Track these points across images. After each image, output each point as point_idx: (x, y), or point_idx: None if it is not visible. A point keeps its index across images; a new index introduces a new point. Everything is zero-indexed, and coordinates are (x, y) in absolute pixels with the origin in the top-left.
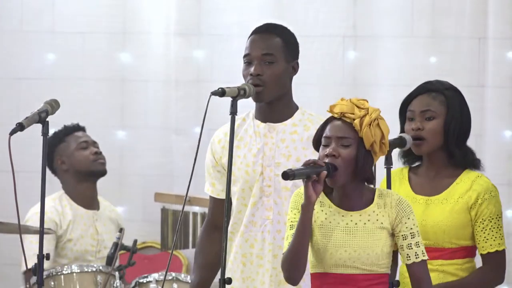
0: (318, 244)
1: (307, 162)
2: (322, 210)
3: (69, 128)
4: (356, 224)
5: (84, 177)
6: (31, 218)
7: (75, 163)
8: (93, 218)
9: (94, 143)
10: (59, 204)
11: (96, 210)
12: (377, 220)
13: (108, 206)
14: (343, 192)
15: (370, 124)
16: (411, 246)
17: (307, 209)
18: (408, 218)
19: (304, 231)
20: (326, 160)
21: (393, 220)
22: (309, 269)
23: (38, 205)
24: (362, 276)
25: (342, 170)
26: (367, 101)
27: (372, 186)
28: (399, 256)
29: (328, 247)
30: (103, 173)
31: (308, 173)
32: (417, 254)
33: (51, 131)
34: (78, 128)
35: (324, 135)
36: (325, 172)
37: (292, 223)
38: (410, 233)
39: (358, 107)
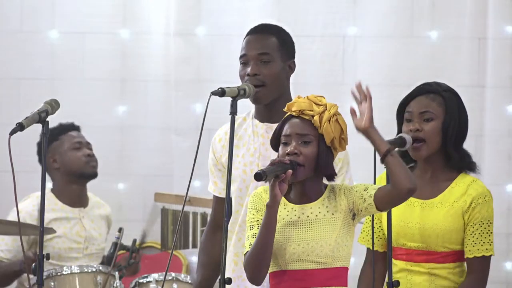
0: None
1: (274, 161)
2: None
3: (64, 126)
4: (307, 216)
5: (74, 178)
6: (10, 215)
7: (66, 163)
8: (79, 215)
9: (88, 144)
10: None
11: (83, 207)
12: (327, 211)
13: (97, 202)
14: (302, 188)
15: (329, 120)
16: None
17: (272, 208)
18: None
19: (269, 230)
20: (288, 158)
21: (345, 205)
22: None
23: (23, 203)
24: (317, 271)
25: (306, 167)
26: (324, 98)
27: (332, 182)
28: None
29: (281, 243)
30: (93, 176)
31: (277, 173)
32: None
33: None
34: (73, 127)
35: (283, 133)
36: (290, 171)
37: (251, 223)
38: (365, 189)
39: (316, 103)
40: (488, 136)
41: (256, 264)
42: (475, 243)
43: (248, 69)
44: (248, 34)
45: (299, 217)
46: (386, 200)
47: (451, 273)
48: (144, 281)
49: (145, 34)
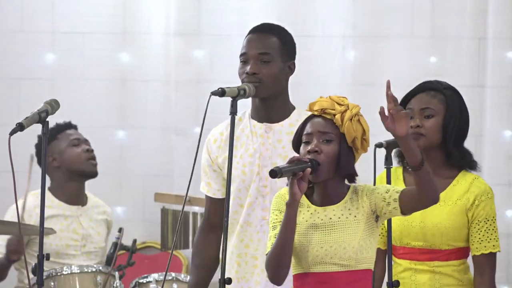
0: (295, 243)
1: (292, 159)
2: (300, 211)
3: (61, 125)
4: (330, 219)
5: (75, 176)
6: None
7: (66, 161)
8: (76, 213)
9: (86, 141)
10: (38, 199)
11: (81, 205)
12: (350, 214)
13: (97, 202)
14: (324, 190)
15: (351, 119)
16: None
17: (292, 207)
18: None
19: (289, 229)
20: (309, 157)
21: (368, 207)
22: (292, 270)
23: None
24: (341, 274)
25: (326, 166)
26: (347, 98)
27: (353, 184)
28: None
29: (304, 246)
30: (93, 175)
31: (294, 170)
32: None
33: None
34: (70, 126)
35: (304, 132)
36: (309, 169)
37: (274, 224)
38: (386, 191)
39: (338, 103)
40: (488, 136)
41: (276, 263)
42: (482, 240)
43: (248, 68)
44: (250, 32)
45: (322, 220)
46: (412, 205)
47: (455, 270)
48: (144, 281)
49: (145, 34)
